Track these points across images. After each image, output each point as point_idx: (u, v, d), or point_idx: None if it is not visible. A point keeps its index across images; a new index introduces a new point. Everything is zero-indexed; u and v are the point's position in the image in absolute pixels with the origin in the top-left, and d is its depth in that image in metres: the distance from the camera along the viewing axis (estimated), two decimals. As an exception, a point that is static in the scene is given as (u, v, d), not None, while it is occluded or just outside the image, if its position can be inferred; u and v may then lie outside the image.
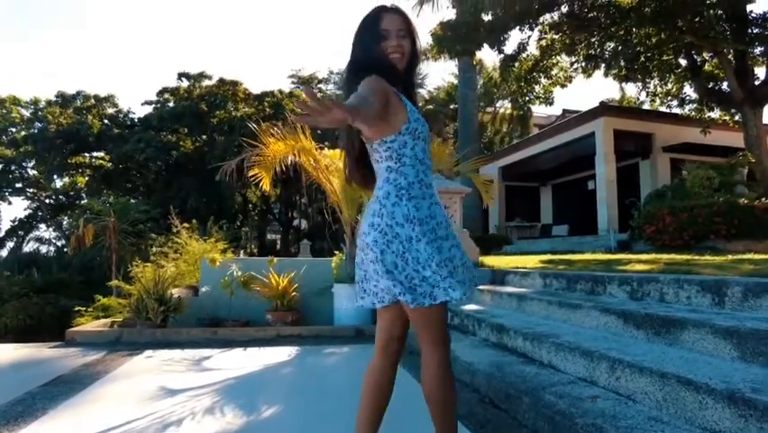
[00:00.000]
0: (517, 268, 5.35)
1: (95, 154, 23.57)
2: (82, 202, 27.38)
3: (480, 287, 4.80)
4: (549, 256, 9.19)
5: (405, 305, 1.50)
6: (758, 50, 11.53)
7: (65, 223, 28.58)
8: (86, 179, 25.33)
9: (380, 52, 1.56)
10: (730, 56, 11.41)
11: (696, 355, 2.19)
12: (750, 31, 11.50)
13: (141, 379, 3.12)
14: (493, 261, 6.56)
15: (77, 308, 10.21)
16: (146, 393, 2.78)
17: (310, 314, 4.78)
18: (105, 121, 21.85)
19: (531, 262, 6.43)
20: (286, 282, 4.63)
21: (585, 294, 3.72)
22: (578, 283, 3.87)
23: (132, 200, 25.52)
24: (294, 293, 4.65)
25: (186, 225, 9.02)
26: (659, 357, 2.19)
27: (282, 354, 3.87)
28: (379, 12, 1.61)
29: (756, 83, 11.45)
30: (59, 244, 28.01)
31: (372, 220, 1.53)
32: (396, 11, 1.63)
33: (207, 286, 4.63)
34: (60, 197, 27.83)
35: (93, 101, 21.71)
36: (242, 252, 12.62)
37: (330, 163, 4.66)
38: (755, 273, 3.01)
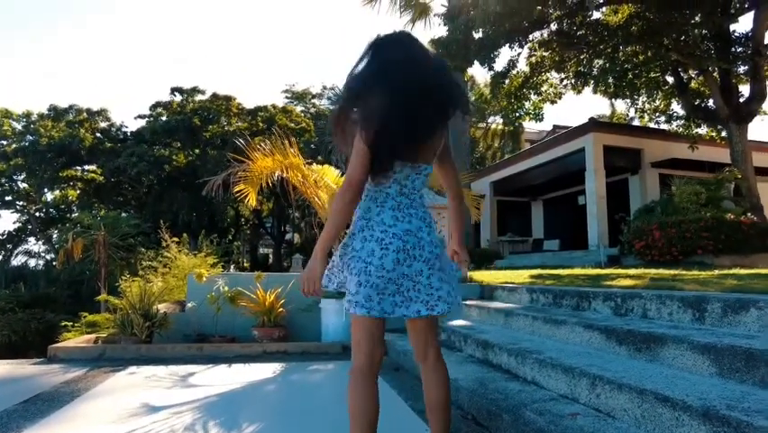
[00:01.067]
0: (506, 283, 5.36)
1: (86, 168, 23.51)
2: (73, 216, 27.20)
3: (469, 302, 4.81)
4: (539, 271, 9.22)
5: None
6: (742, 68, 11.77)
7: (54, 236, 28.34)
8: (78, 192, 25.22)
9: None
10: (715, 74, 11.64)
11: (675, 372, 2.20)
12: (734, 49, 11.75)
13: (122, 396, 3.07)
14: (483, 276, 6.56)
15: (63, 324, 10.08)
16: (126, 411, 2.75)
17: (297, 330, 4.75)
18: (98, 134, 21.85)
19: (520, 277, 6.45)
20: (273, 298, 4.60)
21: (571, 310, 3.74)
22: (564, 299, 3.89)
23: (124, 214, 25.40)
24: (281, 309, 4.63)
25: (176, 239, 8.99)
26: (639, 374, 2.19)
27: (267, 370, 3.83)
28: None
29: (741, 100, 11.67)
30: (47, 257, 27.74)
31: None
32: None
33: (194, 301, 4.59)
34: (51, 210, 27.68)
35: (85, 114, 21.71)
36: (232, 266, 12.54)
37: (319, 178, 4.67)
38: (737, 289, 3.04)
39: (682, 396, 1.81)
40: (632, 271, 7.18)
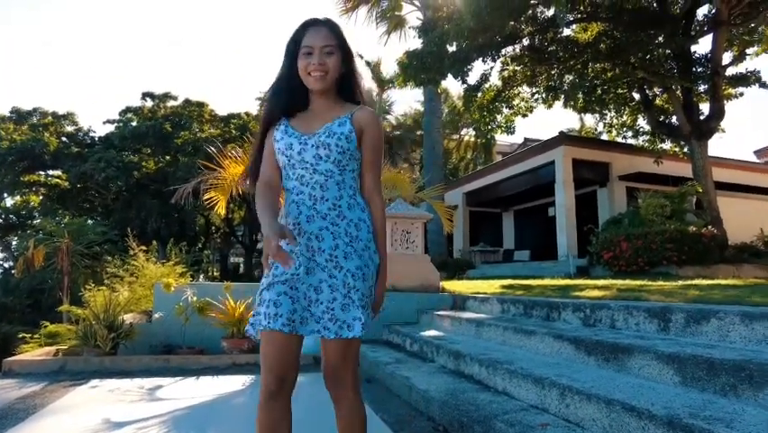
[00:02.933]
0: (477, 293, 5.41)
1: (50, 172, 22.73)
2: (34, 222, 26.19)
3: (441, 312, 4.82)
4: (510, 281, 9.33)
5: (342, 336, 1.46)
6: (702, 87, 12.27)
7: (14, 243, 27.22)
8: (41, 197, 24.34)
9: (286, 75, 1.54)
10: (678, 92, 12.10)
11: (642, 381, 2.25)
12: (695, 69, 12.26)
13: (82, 411, 2.95)
14: (455, 285, 6.61)
15: (20, 335, 9.64)
16: (87, 428, 2.63)
17: (268, 341, 4.66)
18: (64, 139, 21.17)
19: (492, 287, 6.51)
20: (243, 309, 4.51)
21: (541, 320, 3.79)
22: (534, 309, 3.94)
23: (90, 220, 24.59)
24: (251, 319, 4.54)
25: (143, 247, 8.74)
26: (607, 384, 2.23)
27: (236, 382, 3.75)
28: (306, 26, 1.53)
29: (702, 118, 12.15)
30: (6, 265, 26.61)
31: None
32: (324, 24, 1.54)
33: (161, 312, 4.46)
34: (11, 216, 26.58)
35: (51, 118, 21.04)
36: (202, 276, 12.27)
37: (292, 187, 4.64)
38: (699, 300, 3.14)
39: (648, 405, 1.85)
40: (600, 282, 7.34)
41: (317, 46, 1.48)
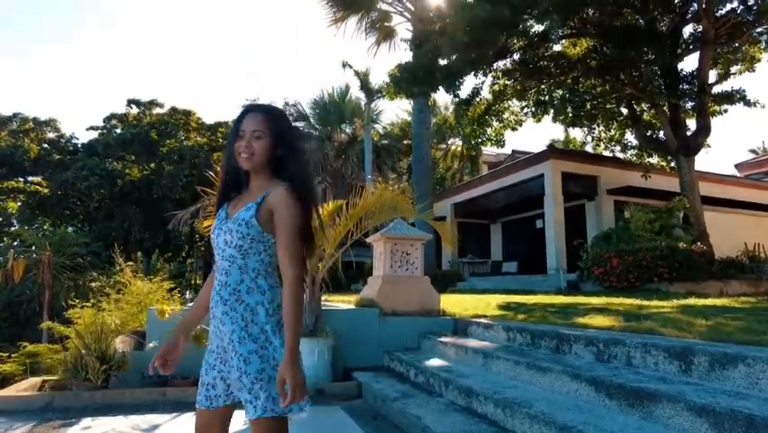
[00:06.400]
0: (479, 317, 5.32)
1: (30, 179, 22.15)
2: (12, 229, 25.43)
3: (444, 339, 4.73)
4: (504, 297, 9.28)
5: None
6: (689, 104, 12.48)
7: (-10, 251, 26.39)
8: (19, 204, 23.69)
9: (227, 154, 1.70)
10: (665, 108, 12.27)
11: (672, 433, 2.18)
12: (682, 86, 12.48)
13: (77, 458, 2.77)
14: (448, 301, 6.46)
15: (-3, 355, 9.24)
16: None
17: (267, 369, 4.51)
18: (45, 145, 20.65)
19: (489, 307, 6.44)
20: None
21: (551, 352, 3.72)
22: (542, 340, 3.87)
23: (70, 228, 23.94)
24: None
25: (131, 263, 8.48)
26: (637, 435, 2.16)
27: (238, 420, 3.58)
28: (246, 112, 1.69)
29: (689, 134, 12.33)
30: (-19, 272, 25.75)
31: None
32: (260, 110, 1.69)
33: (155, 341, 4.27)
34: (-13, 222, 25.80)
35: (32, 124, 20.52)
36: (188, 293, 11.97)
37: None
38: (715, 335, 3.08)
39: (690, 468, 1.77)
40: (595, 301, 7.34)
41: (248, 130, 1.63)
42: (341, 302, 7.11)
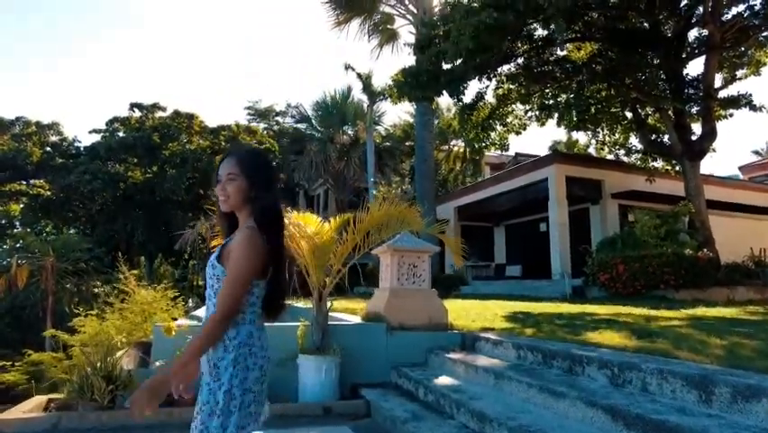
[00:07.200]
0: (486, 330, 5.27)
1: (33, 181, 22.15)
2: (15, 231, 25.43)
3: (452, 355, 4.67)
4: (509, 304, 9.21)
5: None
6: (694, 108, 12.40)
7: (-8, 252, 26.42)
8: (21, 206, 23.70)
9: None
10: (670, 111, 12.20)
11: (695, 471, 2.13)
12: (686, 91, 12.39)
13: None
14: (453, 307, 6.35)
15: (1, 364, 9.21)
16: None
17: (273, 387, 4.45)
18: (48, 149, 20.63)
19: (496, 317, 6.38)
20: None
21: (563, 373, 3.67)
22: (554, 360, 3.82)
23: (72, 229, 23.91)
24: (257, 366, 4.34)
25: (135, 272, 8.43)
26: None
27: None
28: (223, 158, 1.81)
29: (694, 138, 12.25)
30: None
31: None
32: (233, 155, 1.78)
33: (162, 360, 4.23)
34: (-11, 225, 25.83)
35: (34, 128, 20.51)
36: (191, 298, 11.93)
37: (297, 225, 4.47)
38: (733, 363, 3.02)
39: None
40: (603, 310, 7.26)
41: (223, 174, 1.74)
42: (345, 311, 7.05)
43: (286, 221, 4.37)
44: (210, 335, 1.60)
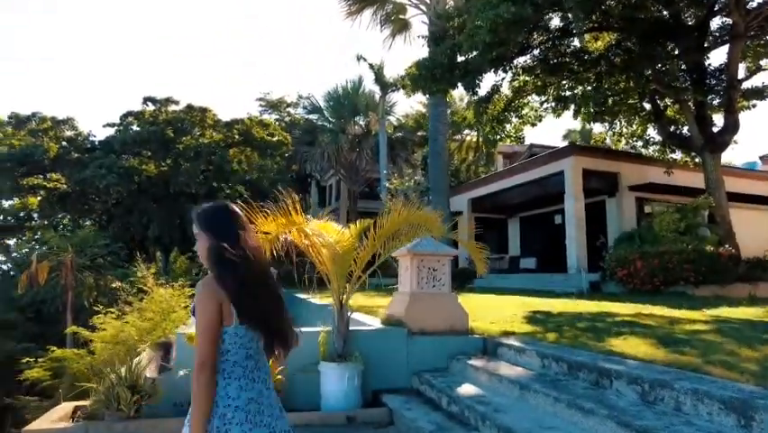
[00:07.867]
0: (507, 334, 5.23)
1: (49, 176, 22.43)
2: (33, 223, 25.82)
3: (474, 362, 4.65)
4: (526, 301, 9.14)
5: None
6: (716, 100, 12.10)
7: (12, 245, 26.89)
8: (39, 199, 24.04)
9: None
10: (691, 103, 11.92)
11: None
12: (708, 82, 12.09)
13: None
14: (467, 302, 6.26)
15: (25, 360, 9.40)
16: None
17: (295, 395, 4.46)
18: (63, 143, 20.83)
19: (515, 318, 6.33)
20: (270, 363, 4.31)
21: (590, 385, 3.62)
22: (580, 371, 3.77)
23: (89, 222, 24.19)
24: (279, 376, 4.36)
25: (153, 271, 8.51)
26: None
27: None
28: None
29: (715, 130, 11.97)
30: (4, 267, 26.27)
31: None
32: (194, 217, 1.87)
33: (185, 369, 4.26)
34: (9, 217, 26.26)
35: (50, 123, 20.70)
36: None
37: (318, 234, 4.44)
38: None
39: None
40: (624, 310, 7.16)
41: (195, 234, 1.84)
42: (360, 310, 7.04)
43: (308, 230, 4.36)
44: (195, 391, 1.64)
